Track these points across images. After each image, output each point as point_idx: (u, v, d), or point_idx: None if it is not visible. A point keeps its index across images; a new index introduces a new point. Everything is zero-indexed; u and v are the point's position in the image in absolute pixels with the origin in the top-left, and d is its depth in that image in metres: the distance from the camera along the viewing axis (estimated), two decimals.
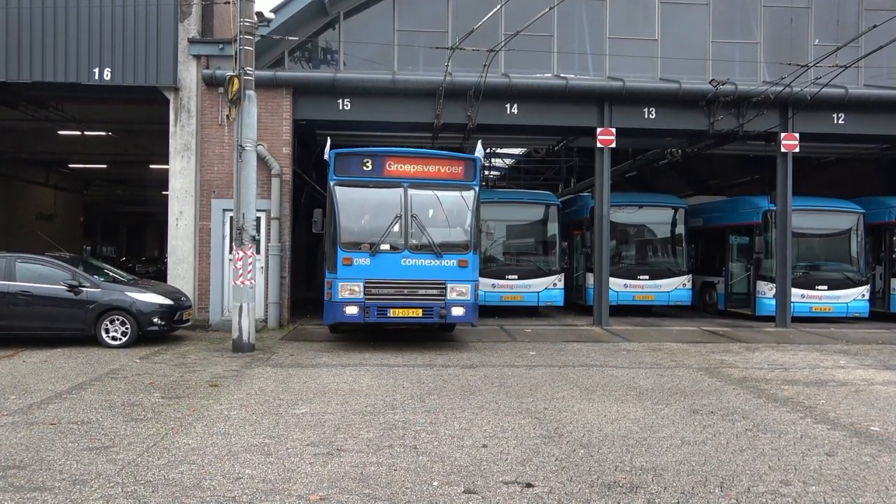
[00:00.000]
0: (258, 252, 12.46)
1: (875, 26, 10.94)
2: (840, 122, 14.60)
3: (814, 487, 4.79)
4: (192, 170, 13.47)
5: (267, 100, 13.19)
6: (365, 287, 10.03)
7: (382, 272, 10.06)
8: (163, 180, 14.82)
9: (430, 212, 10.63)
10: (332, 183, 10.42)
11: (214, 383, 8.03)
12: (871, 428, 6.43)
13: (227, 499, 4.40)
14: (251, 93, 10.52)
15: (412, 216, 10.28)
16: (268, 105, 13.25)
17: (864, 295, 15.56)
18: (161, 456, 5.26)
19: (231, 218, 12.59)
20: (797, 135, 14.38)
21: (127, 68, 13.07)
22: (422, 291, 10.12)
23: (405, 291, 10.08)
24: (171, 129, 13.47)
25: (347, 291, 10.02)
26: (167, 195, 13.80)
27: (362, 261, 10.07)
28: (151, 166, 23.72)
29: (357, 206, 10.64)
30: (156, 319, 10.94)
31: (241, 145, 10.51)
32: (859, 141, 16.28)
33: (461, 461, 5.24)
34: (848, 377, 9.04)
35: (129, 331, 10.76)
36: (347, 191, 10.45)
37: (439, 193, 10.60)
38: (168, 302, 11.25)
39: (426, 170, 10.53)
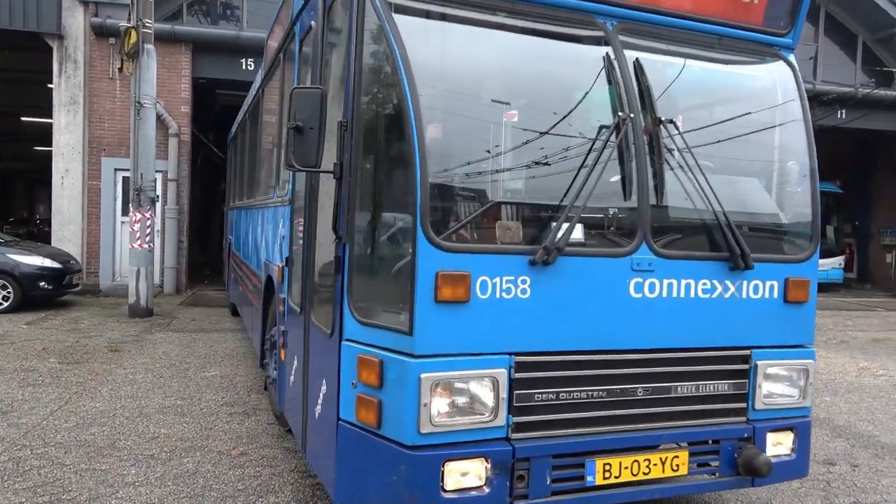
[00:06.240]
0: (156, 214, 11.98)
1: None
2: None
3: None
4: (80, 125, 12.61)
5: (165, 55, 12.49)
6: (514, 382, 2.71)
7: (567, 327, 2.81)
8: (38, 135, 13.76)
9: (699, 127, 3.30)
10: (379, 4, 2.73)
11: (115, 348, 7.80)
12: None
13: (145, 457, 4.45)
14: (150, 47, 10.01)
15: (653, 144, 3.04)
16: (165, 61, 12.56)
17: None
18: (68, 419, 5.16)
19: (124, 178, 12.03)
20: None
21: (2, 10, 11.93)
22: (686, 389, 3.08)
23: (639, 392, 2.97)
24: (56, 80, 12.49)
25: (456, 410, 2.66)
26: (42, 151, 12.87)
27: (505, 289, 2.68)
28: (24, 119, 21.72)
29: (461, 101, 3.01)
30: (42, 283, 10.33)
31: (139, 102, 10.02)
32: None
33: None
34: None
35: (10, 295, 10.08)
36: (431, 45, 2.91)
37: (722, 70, 3.54)
38: (55, 265, 10.62)
39: None
